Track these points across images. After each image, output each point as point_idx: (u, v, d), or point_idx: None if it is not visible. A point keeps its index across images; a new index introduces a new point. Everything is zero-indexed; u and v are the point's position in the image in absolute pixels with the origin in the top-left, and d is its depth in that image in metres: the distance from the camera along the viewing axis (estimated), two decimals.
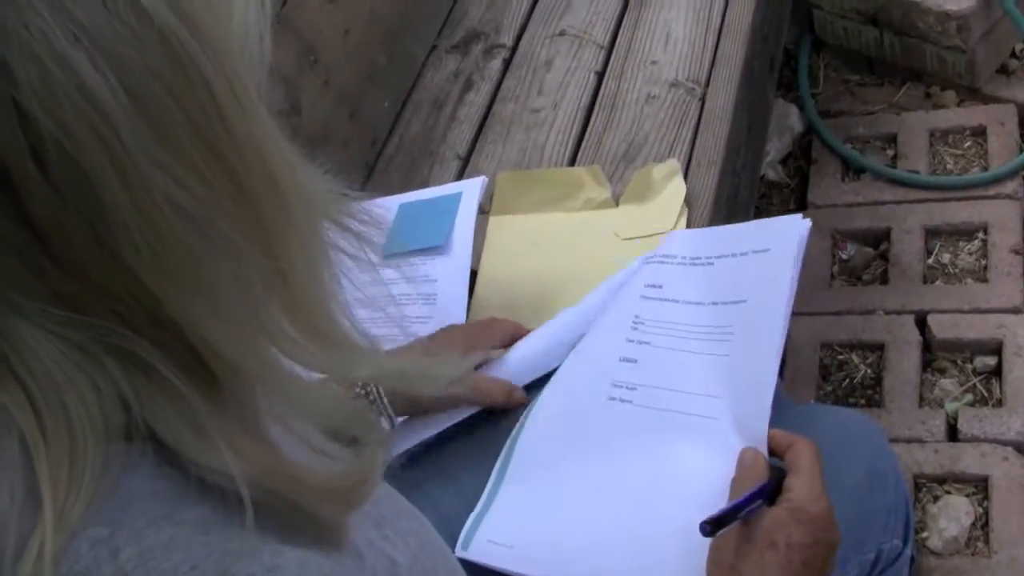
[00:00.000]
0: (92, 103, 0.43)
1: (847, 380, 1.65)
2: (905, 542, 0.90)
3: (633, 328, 0.95)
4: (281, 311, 0.50)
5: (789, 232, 0.91)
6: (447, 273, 1.18)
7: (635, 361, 0.94)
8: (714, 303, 0.92)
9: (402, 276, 1.19)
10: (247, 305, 0.48)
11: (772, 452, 0.82)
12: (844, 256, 1.82)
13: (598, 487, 0.90)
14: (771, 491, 0.78)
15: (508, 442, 0.95)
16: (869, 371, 1.65)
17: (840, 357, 1.68)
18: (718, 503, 0.79)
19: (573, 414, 0.94)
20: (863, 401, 1.62)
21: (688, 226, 1.23)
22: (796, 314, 1.70)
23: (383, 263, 1.19)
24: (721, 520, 0.73)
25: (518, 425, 0.95)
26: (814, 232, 1.79)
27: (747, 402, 0.85)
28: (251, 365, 0.49)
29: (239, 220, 0.47)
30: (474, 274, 1.23)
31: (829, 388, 1.65)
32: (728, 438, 0.85)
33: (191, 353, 0.48)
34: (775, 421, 0.86)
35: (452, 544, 0.91)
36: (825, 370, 1.67)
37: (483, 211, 1.30)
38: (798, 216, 0.92)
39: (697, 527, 0.74)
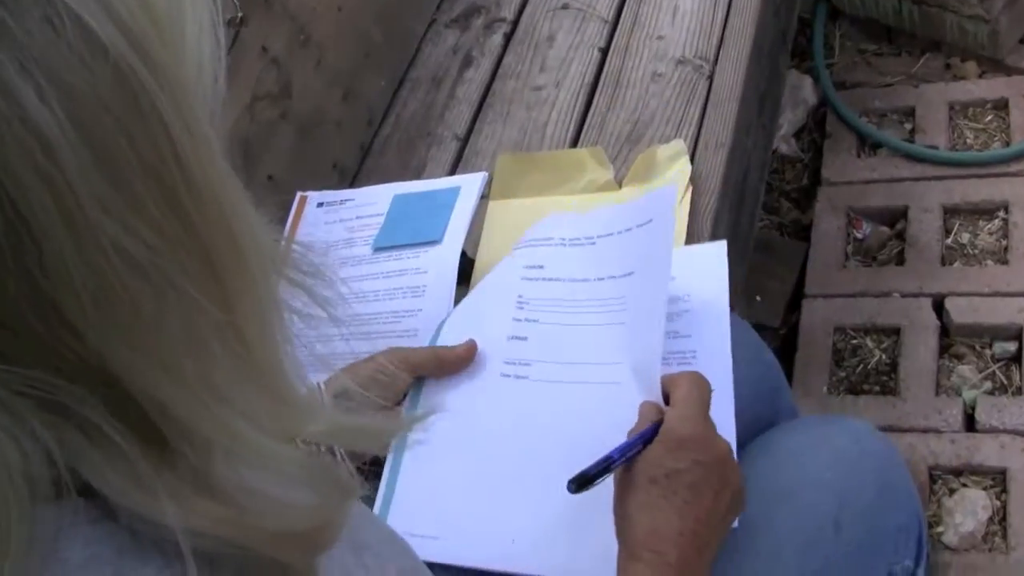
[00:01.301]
0: (37, 137, 0.39)
1: (861, 366, 1.61)
2: (917, 562, 0.86)
3: (518, 307, 0.97)
4: (235, 370, 0.46)
5: (666, 201, 0.94)
6: (438, 264, 1.14)
7: (525, 339, 0.96)
8: (600, 278, 0.95)
9: (389, 271, 1.14)
10: (200, 363, 0.45)
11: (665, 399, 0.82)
12: (859, 236, 1.77)
13: (507, 465, 0.90)
14: (652, 435, 0.77)
15: (405, 414, 0.95)
16: (884, 356, 1.61)
17: (854, 341, 1.64)
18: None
19: (466, 395, 0.95)
20: (877, 388, 1.58)
21: (693, 211, 1.19)
22: (809, 296, 1.70)
23: (373, 256, 1.18)
24: (587, 476, 0.73)
25: (411, 398, 0.95)
26: (828, 211, 1.82)
27: (645, 361, 0.87)
28: (203, 426, 0.45)
29: (193, 272, 0.43)
30: (472, 261, 1.20)
31: (842, 374, 1.60)
32: (634, 399, 0.85)
33: (137, 409, 0.44)
34: (782, 433, 0.88)
35: None
36: (839, 355, 1.63)
37: (482, 195, 1.26)
38: (670, 187, 0.96)
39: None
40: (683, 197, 1.19)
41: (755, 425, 0.93)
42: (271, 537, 0.46)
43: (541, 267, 0.98)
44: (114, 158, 0.40)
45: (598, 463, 0.75)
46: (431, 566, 0.82)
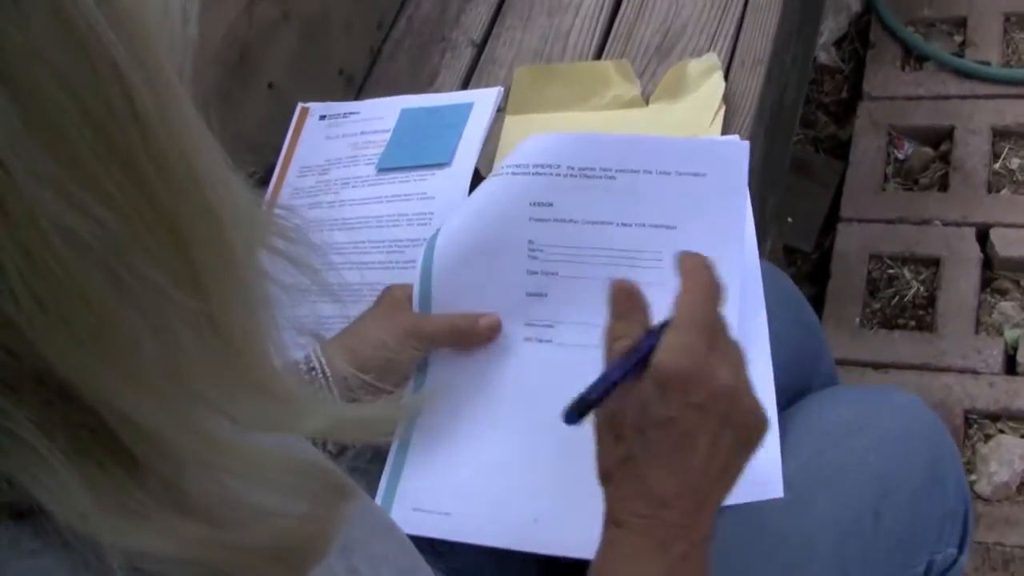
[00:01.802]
0: None
1: (897, 298, 1.54)
2: (961, 547, 0.78)
3: (531, 257, 0.85)
4: (213, 365, 0.41)
5: (730, 157, 0.81)
6: (446, 190, 1.04)
7: (544, 295, 0.84)
8: (625, 224, 0.82)
9: (393, 195, 1.05)
10: (169, 362, 0.39)
11: None
12: (900, 156, 1.69)
13: (529, 438, 0.82)
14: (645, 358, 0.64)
15: (412, 386, 0.85)
16: (922, 289, 1.53)
17: (890, 271, 1.57)
18: None
19: (483, 362, 0.84)
20: (913, 323, 1.51)
21: (725, 133, 1.10)
22: (844, 220, 1.62)
23: (377, 177, 1.09)
24: (587, 401, 0.62)
25: (416, 374, 0.85)
26: (868, 128, 1.72)
27: None
28: (175, 435, 0.40)
29: (157, 252, 0.37)
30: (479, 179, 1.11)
31: (876, 305, 1.53)
32: None
33: (95, 421, 0.38)
34: (822, 405, 0.81)
35: None
36: (873, 285, 1.56)
37: (499, 109, 1.17)
38: (735, 138, 0.84)
39: None
40: (714, 117, 1.11)
41: (791, 390, 0.84)
42: (256, 555, 0.41)
43: (550, 205, 0.85)
44: (54, 121, 0.34)
45: (597, 383, 0.64)
46: (442, 544, 0.77)
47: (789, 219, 1.68)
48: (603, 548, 0.63)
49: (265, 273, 0.43)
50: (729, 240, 0.80)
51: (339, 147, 1.13)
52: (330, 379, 0.78)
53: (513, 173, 0.86)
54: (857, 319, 1.51)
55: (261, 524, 0.42)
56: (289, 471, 0.44)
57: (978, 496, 1.30)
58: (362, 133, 1.14)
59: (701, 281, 0.65)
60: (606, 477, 0.64)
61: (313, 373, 0.78)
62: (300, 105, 1.19)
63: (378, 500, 0.82)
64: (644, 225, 0.82)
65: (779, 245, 1.61)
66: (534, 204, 0.85)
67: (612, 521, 0.63)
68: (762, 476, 0.75)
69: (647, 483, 0.61)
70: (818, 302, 1.56)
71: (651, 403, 0.61)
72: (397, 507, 0.82)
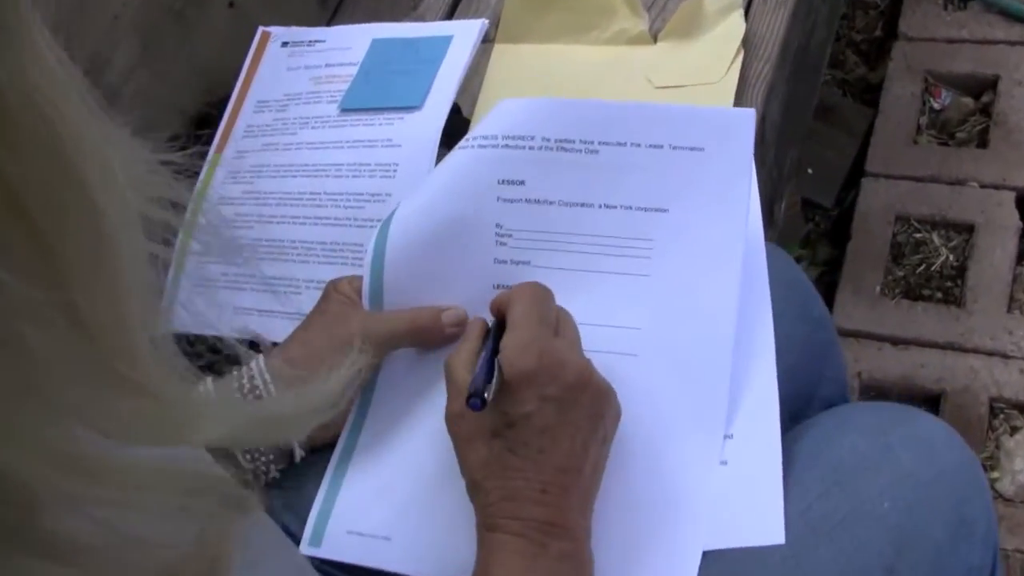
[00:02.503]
0: None
1: (923, 265, 1.43)
2: None
3: (499, 244, 0.74)
4: (74, 368, 0.35)
5: (734, 129, 0.71)
6: (414, 138, 0.92)
7: None
8: (609, 206, 0.73)
9: (356, 139, 0.93)
10: (16, 371, 0.33)
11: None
12: (936, 105, 1.58)
13: None
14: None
15: (356, 402, 0.76)
16: (951, 257, 1.42)
17: (918, 235, 1.45)
18: (646, 467, 0.67)
19: (436, 362, 0.74)
20: (939, 295, 1.40)
21: (743, 80, 1.00)
22: (870, 175, 1.49)
23: (340, 118, 0.96)
24: (480, 389, 0.60)
25: (368, 379, 0.76)
26: (902, 72, 1.58)
27: (686, 342, 0.70)
28: (23, 465, 0.34)
29: None
30: (466, 122, 1.00)
31: (900, 273, 1.43)
32: (652, 380, 0.69)
33: None
34: (832, 430, 0.70)
35: None
36: (898, 250, 1.45)
37: (487, 39, 1.06)
38: (745, 111, 0.72)
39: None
40: (731, 63, 1.01)
41: (794, 400, 0.73)
42: None
43: (521, 183, 0.74)
44: None
45: (481, 367, 0.62)
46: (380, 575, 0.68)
47: (809, 170, 1.55)
48: (480, 555, 0.61)
49: (143, 251, 0.37)
50: (730, 225, 0.70)
51: (300, 80, 1.01)
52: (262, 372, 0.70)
53: (480, 146, 0.75)
54: (877, 287, 1.40)
55: (141, 561, 0.37)
56: (176, 490, 0.39)
57: (999, 495, 1.18)
58: (327, 65, 1.01)
59: (525, 287, 0.67)
60: (473, 487, 0.62)
61: (257, 392, 0.69)
62: (261, 29, 1.06)
63: (311, 519, 0.72)
64: (631, 208, 0.72)
65: (796, 199, 1.49)
66: (503, 182, 0.74)
67: (484, 526, 0.61)
68: (761, 518, 0.65)
69: (512, 483, 0.61)
70: (835, 265, 1.45)
71: (503, 404, 0.61)
72: (332, 527, 0.72)
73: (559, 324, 0.65)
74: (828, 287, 1.42)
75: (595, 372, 0.63)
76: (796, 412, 0.75)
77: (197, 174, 0.57)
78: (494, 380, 0.61)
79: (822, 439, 0.68)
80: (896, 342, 1.34)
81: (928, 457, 0.66)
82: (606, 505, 0.64)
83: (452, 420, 0.63)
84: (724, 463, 0.67)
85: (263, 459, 0.71)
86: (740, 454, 0.67)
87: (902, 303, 1.38)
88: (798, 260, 1.47)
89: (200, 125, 1.05)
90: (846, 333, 1.34)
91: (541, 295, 0.66)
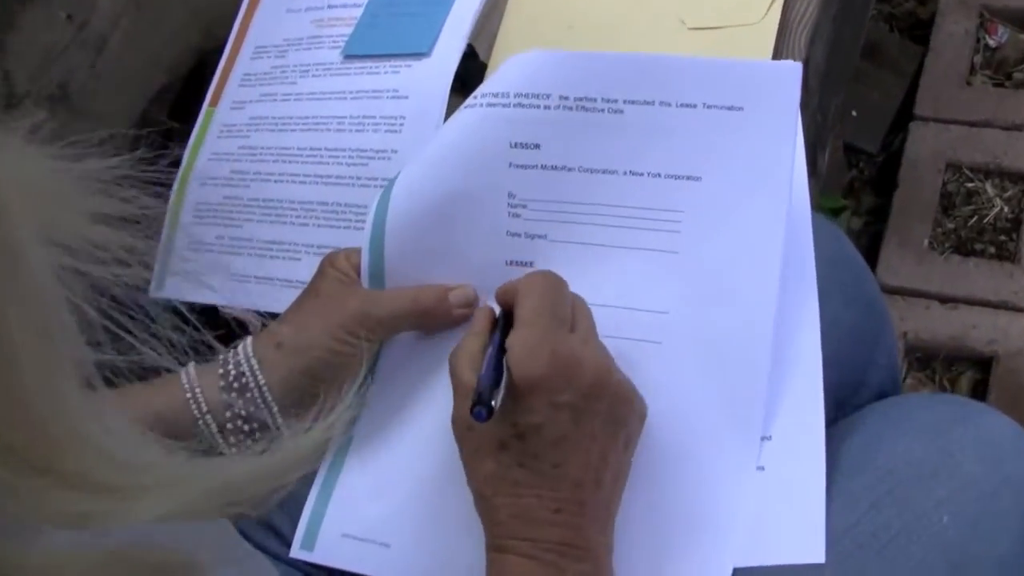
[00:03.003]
0: None
1: (975, 217, 1.36)
2: None
3: (512, 215, 0.68)
4: None
5: (777, 85, 0.63)
6: (422, 89, 0.85)
7: (530, 264, 0.68)
8: (635, 173, 0.66)
9: (359, 90, 0.86)
10: None
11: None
12: (992, 43, 1.50)
13: None
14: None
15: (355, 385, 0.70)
16: (1006, 209, 1.35)
17: (970, 185, 1.38)
18: (671, 473, 0.61)
19: (443, 349, 0.67)
20: (992, 249, 1.33)
21: (784, 22, 0.92)
22: (919, 118, 1.41)
23: (342, 66, 0.89)
24: (483, 396, 0.54)
25: (364, 366, 0.69)
26: (955, 6, 1.48)
27: (719, 329, 0.63)
28: None
29: None
30: (483, 68, 0.92)
31: (951, 225, 1.36)
32: (678, 372, 0.62)
33: None
34: (884, 427, 0.63)
35: None
36: (948, 200, 1.37)
37: None
38: (791, 64, 0.64)
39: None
40: (770, 8, 0.92)
41: (841, 388, 0.66)
42: None
43: (536, 147, 0.67)
44: None
45: (488, 368, 0.56)
46: None
47: (853, 113, 1.47)
48: None
49: (62, 296, 0.35)
50: (771, 196, 0.63)
51: (301, 23, 0.94)
52: (263, 389, 0.63)
53: (489, 104, 0.67)
54: (926, 240, 1.33)
55: None
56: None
57: None
58: (329, 7, 0.94)
59: (536, 277, 0.60)
60: (481, 501, 0.57)
61: (243, 380, 0.63)
62: None
63: (303, 519, 0.67)
64: (659, 175, 0.65)
65: (839, 144, 1.41)
66: (516, 146, 0.67)
67: (493, 547, 0.56)
68: (800, 533, 0.59)
69: (523, 500, 0.55)
70: (880, 216, 1.38)
71: (511, 412, 0.55)
72: (326, 530, 0.66)
73: (575, 317, 0.59)
74: (872, 239, 1.35)
75: (614, 371, 0.57)
76: (841, 400, 0.68)
77: (161, 183, 0.52)
78: (502, 383, 0.54)
79: (872, 440, 0.61)
80: (945, 300, 1.28)
81: (993, 462, 0.59)
82: (627, 516, 0.58)
83: (458, 426, 0.58)
84: (761, 469, 0.60)
85: (250, 452, 0.65)
86: (779, 459, 0.60)
87: (952, 258, 1.32)
88: (840, 211, 1.39)
89: (183, 100, 0.98)
90: (891, 290, 1.28)
91: (553, 286, 0.60)
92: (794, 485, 0.59)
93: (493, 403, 0.53)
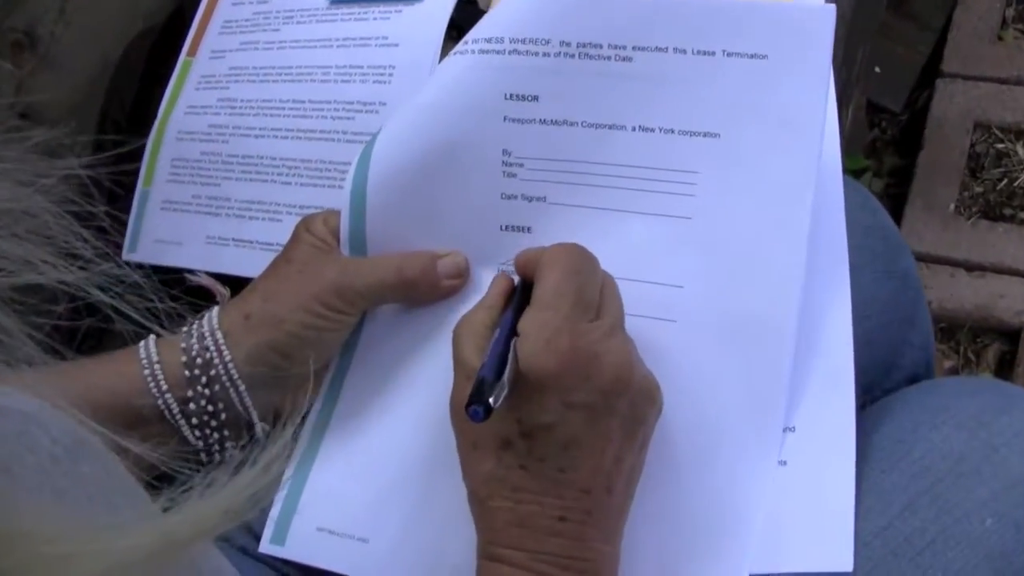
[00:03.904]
0: None
1: (1005, 180, 1.30)
2: None
3: (508, 175, 0.61)
4: None
5: (807, 30, 0.57)
6: (414, 36, 0.79)
7: (527, 230, 0.62)
8: (645, 128, 0.60)
9: (346, 37, 0.80)
10: None
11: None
12: None
13: None
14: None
15: (332, 370, 0.64)
16: None
17: (999, 146, 1.33)
18: (684, 468, 0.55)
19: (438, 323, 0.63)
20: (1022, 214, 1.28)
21: None
22: (946, 75, 1.34)
23: (329, 11, 0.83)
24: (482, 390, 0.47)
25: (347, 342, 0.64)
26: None
27: (739, 305, 0.57)
28: None
29: None
30: (481, 14, 0.85)
31: (979, 189, 1.31)
32: (694, 354, 0.56)
33: None
34: (919, 415, 0.57)
35: None
36: (976, 162, 1.32)
37: None
38: (823, 6, 0.57)
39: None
40: None
41: (872, 370, 0.61)
42: None
43: (534, 99, 0.60)
44: None
45: (493, 353, 0.49)
46: None
47: (876, 68, 1.40)
48: None
49: None
50: (798, 156, 0.56)
51: None
52: (229, 365, 0.58)
53: (481, 51, 0.61)
54: (952, 204, 1.28)
55: None
56: None
57: None
58: None
59: (561, 250, 0.54)
60: (475, 501, 0.51)
61: (207, 355, 0.58)
62: None
63: (274, 511, 0.61)
64: (673, 131, 0.59)
65: (862, 101, 1.34)
66: (511, 97, 0.61)
67: (484, 554, 0.51)
68: (826, 536, 0.53)
69: (524, 507, 0.50)
70: (904, 177, 1.33)
71: (519, 408, 0.49)
72: (299, 523, 0.60)
73: (602, 299, 0.52)
74: (895, 203, 1.30)
75: (637, 365, 0.51)
76: (870, 384, 0.62)
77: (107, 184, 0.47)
78: (507, 372, 0.48)
79: (905, 431, 0.55)
80: (971, 268, 1.23)
81: None
82: (633, 518, 0.52)
83: (456, 412, 0.52)
84: (783, 463, 0.54)
85: (215, 435, 0.59)
86: (803, 452, 0.54)
87: (980, 223, 1.27)
88: (862, 171, 1.33)
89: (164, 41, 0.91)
90: (915, 256, 1.21)
91: (582, 263, 0.53)
92: (819, 482, 0.53)
93: (493, 401, 0.47)
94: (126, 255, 0.81)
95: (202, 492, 0.35)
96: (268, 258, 0.67)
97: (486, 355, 0.49)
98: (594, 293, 0.52)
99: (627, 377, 0.50)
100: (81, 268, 0.37)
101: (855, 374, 0.56)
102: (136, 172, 0.83)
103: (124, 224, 0.83)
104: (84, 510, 0.34)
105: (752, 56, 0.56)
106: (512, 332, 0.50)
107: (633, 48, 0.58)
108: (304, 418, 0.62)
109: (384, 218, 0.61)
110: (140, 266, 0.78)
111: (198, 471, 0.60)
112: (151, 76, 0.89)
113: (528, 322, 0.50)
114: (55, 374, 0.57)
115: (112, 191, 0.65)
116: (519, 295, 0.54)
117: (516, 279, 0.57)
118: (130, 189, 0.83)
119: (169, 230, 0.81)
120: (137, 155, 0.82)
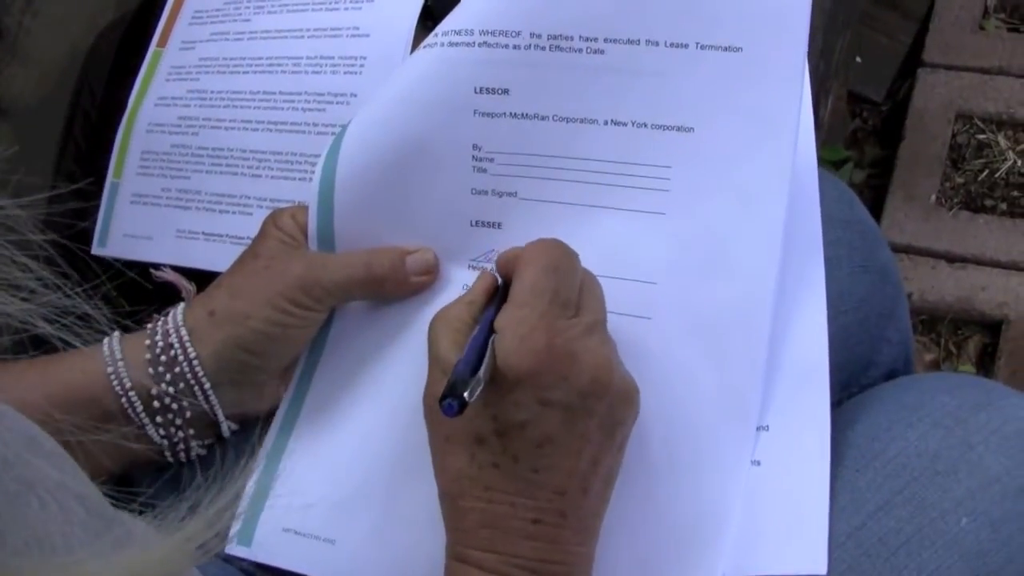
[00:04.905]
0: None
1: (986, 171, 1.30)
2: None
3: (478, 170, 0.61)
4: None
5: (782, 21, 0.56)
6: (385, 27, 0.77)
7: (497, 225, 0.61)
8: (617, 122, 0.59)
9: (317, 27, 0.79)
10: None
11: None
12: None
13: None
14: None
15: (300, 367, 0.63)
16: (1020, 163, 1.29)
17: (981, 136, 1.32)
18: (656, 467, 0.54)
19: (407, 320, 0.62)
20: (1004, 205, 1.27)
21: None
22: (928, 65, 1.34)
23: (299, 2, 0.82)
24: (457, 385, 0.46)
25: (316, 339, 0.63)
26: None
27: (712, 302, 0.56)
28: None
29: None
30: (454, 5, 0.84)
31: (960, 180, 1.31)
32: (668, 351, 0.56)
33: None
34: (895, 414, 0.56)
35: None
36: (958, 152, 1.32)
37: None
38: None
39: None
40: None
41: (848, 368, 0.60)
42: None
43: (505, 92, 0.59)
44: None
45: (471, 350, 0.48)
46: None
47: (857, 58, 1.40)
48: None
49: None
50: (773, 151, 0.56)
51: None
52: (194, 363, 0.57)
53: (451, 43, 0.60)
54: (933, 196, 1.28)
55: None
56: None
57: None
58: None
59: (540, 247, 0.53)
60: (446, 499, 0.50)
61: (172, 352, 0.57)
62: None
63: (240, 511, 0.60)
64: (645, 125, 0.58)
65: (843, 91, 1.33)
66: (481, 91, 0.60)
67: (453, 554, 0.50)
68: (799, 538, 0.52)
69: (495, 508, 0.49)
70: (885, 168, 1.33)
71: (493, 405, 0.48)
72: (265, 523, 0.59)
73: (582, 297, 0.51)
74: (876, 194, 1.30)
75: (617, 368, 0.50)
76: (846, 380, 0.61)
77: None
78: (483, 368, 0.47)
79: (881, 429, 0.54)
80: (953, 259, 1.22)
81: (1020, 456, 0.52)
82: (609, 518, 0.51)
83: (431, 407, 0.51)
84: (756, 463, 0.53)
85: (180, 433, 0.58)
86: (777, 452, 0.53)
87: (961, 215, 1.27)
88: (843, 162, 1.33)
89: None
90: (895, 248, 1.22)
91: (560, 260, 0.52)
92: (794, 483, 0.52)
93: (467, 396, 0.45)
94: (95, 250, 0.80)
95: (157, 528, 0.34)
96: (239, 252, 0.66)
97: (463, 353, 0.49)
98: (572, 290, 0.52)
99: (606, 379, 0.49)
100: (24, 300, 0.36)
101: (831, 371, 0.55)
102: (87, 211, 0.82)
103: (73, 253, 0.82)
104: (36, 516, 0.33)
105: (726, 48, 0.56)
106: (491, 329, 0.50)
107: (605, 40, 0.57)
108: (270, 417, 0.61)
109: (353, 213, 0.60)
110: (111, 264, 0.78)
111: (160, 472, 0.59)
112: (122, 67, 0.88)
113: (504, 319, 0.49)
114: (16, 371, 0.56)
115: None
116: (501, 294, 0.53)
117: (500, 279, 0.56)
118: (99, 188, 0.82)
119: (139, 224, 0.80)
120: (90, 194, 0.81)
